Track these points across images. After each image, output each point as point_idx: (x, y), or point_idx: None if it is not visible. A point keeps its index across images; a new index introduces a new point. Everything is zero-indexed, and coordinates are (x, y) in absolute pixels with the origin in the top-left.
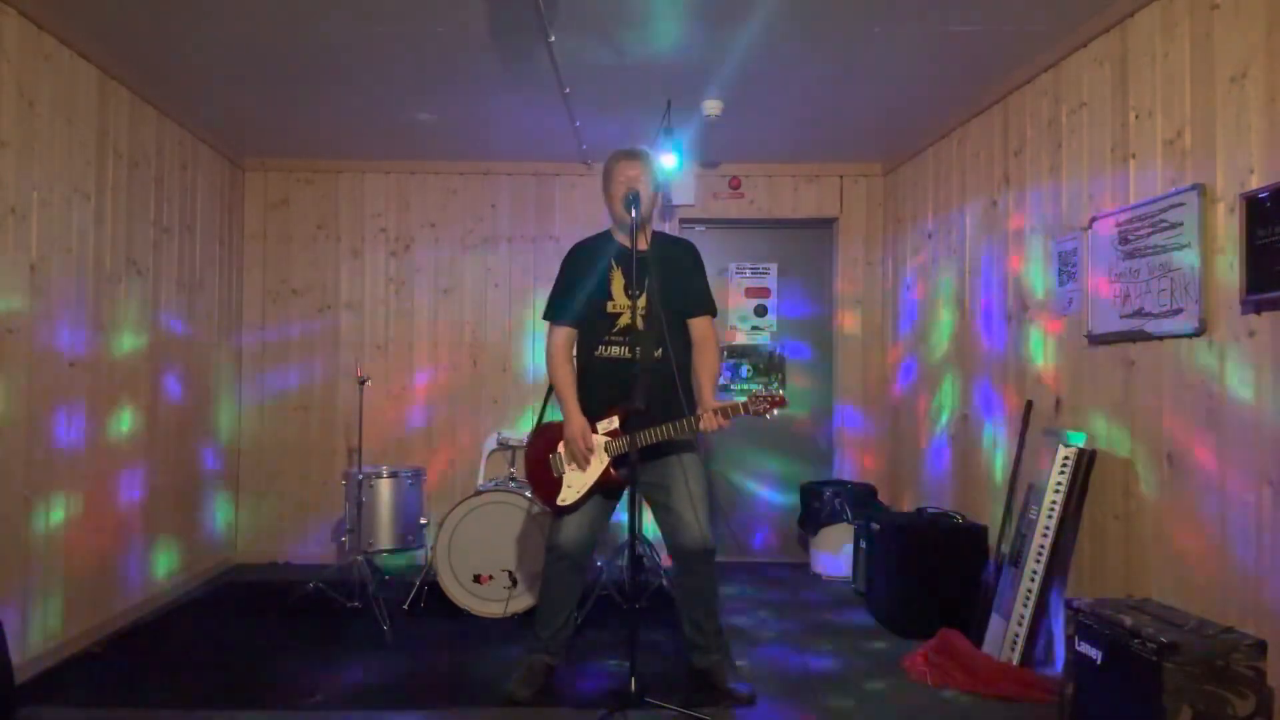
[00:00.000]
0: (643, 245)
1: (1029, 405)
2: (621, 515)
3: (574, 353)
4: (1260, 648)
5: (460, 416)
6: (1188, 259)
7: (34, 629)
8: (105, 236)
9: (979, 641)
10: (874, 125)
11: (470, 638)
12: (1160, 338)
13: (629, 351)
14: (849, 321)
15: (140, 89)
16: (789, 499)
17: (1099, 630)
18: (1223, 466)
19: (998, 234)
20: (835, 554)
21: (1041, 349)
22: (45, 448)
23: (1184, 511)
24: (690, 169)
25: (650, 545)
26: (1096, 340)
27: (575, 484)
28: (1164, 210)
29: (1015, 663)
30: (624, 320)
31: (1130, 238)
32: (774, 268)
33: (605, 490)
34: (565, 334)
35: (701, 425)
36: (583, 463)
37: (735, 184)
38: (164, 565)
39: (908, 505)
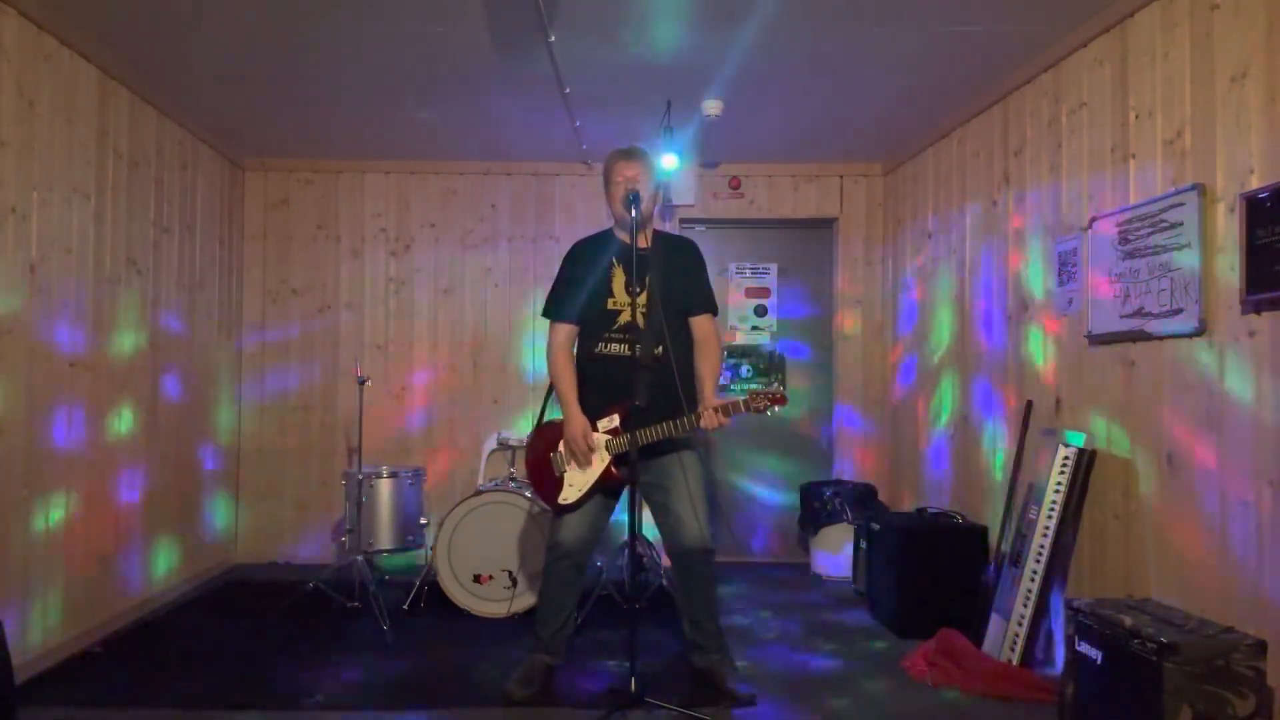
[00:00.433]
0: (644, 244)
1: (1029, 405)
2: (621, 515)
3: (574, 351)
4: (1260, 648)
5: (460, 416)
6: (1188, 259)
7: (34, 629)
8: (105, 236)
9: (979, 641)
10: (874, 125)
11: (470, 638)
12: (1160, 338)
13: (629, 349)
14: (849, 321)
15: (140, 89)
16: (789, 499)
17: (1099, 630)
18: (1223, 466)
19: (998, 234)
20: (835, 554)
21: (1041, 349)
22: (45, 448)
23: (1184, 511)
24: (690, 169)
25: (650, 545)
26: (1096, 340)
27: (576, 483)
28: (1164, 210)
29: (1015, 663)
30: (625, 318)
31: (1130, 238)
32: (774, 268)
33: (606, 489)
34: (566, 332)
35: (702, 423)
36: (583, 461)
37: (735, 184)
38: (164, 565)
39: (908, 505)
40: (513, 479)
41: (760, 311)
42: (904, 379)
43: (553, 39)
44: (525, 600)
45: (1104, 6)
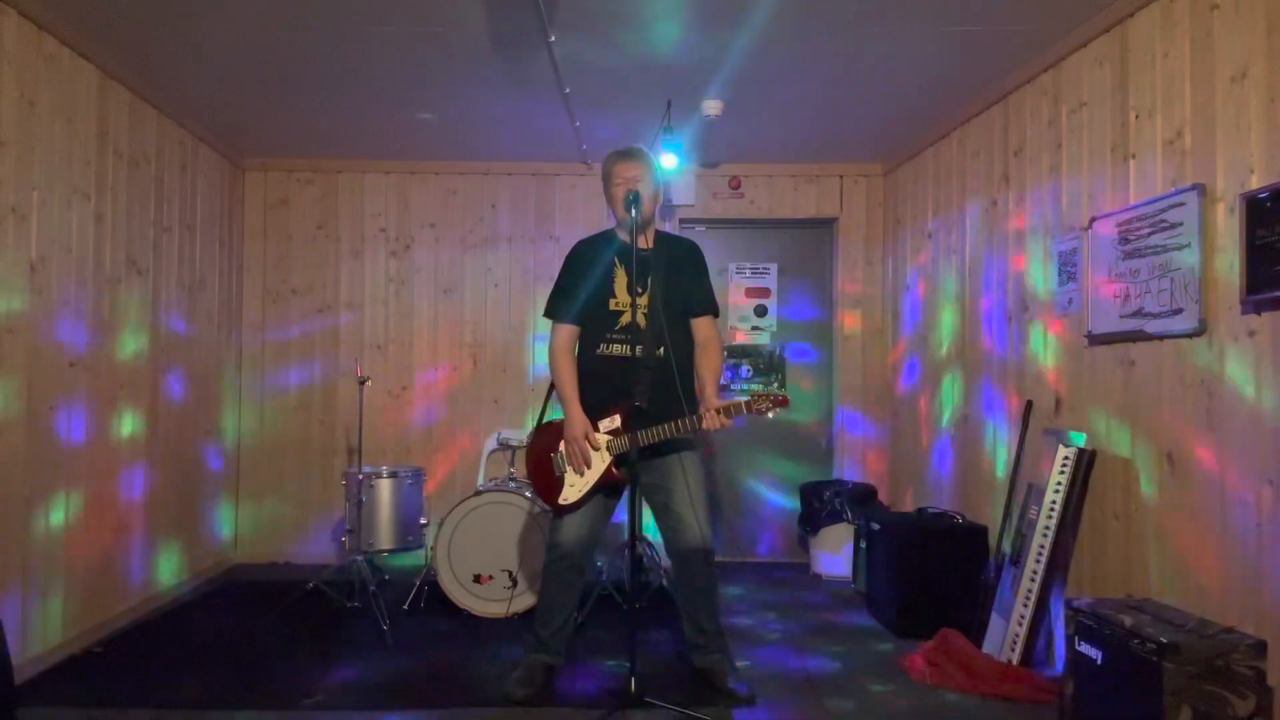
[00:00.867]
0: (646, 244)
1: (1029, 405)
2: (621, 515)
3: (576, 351)
4: (1260, 648)
5: (460, 416)
6: (1188, 259)
7: (34, 629)
8: (105, 236)
9: (979, 641)
10: (874, 125)
11: (470, 638)
12: (1160, 337)
13: (631, 350)
14: (849, 321)
15: (140, 89)
16: (789, 499)
17: (1099, 630)
18: (1223, 466)
19: (998, 234)
20: (835, 554)
21: (1042, 349)
22: (46, 447)
23: (1184, 511)
24: (690, 169)
25: (650, 545)
26: (1097, 340)
27: (577, 483)
28: (1164, 210)
29: (1015, 663)
30: (626, 318)
31: (1130, 238)
32: (774, 268)
33: (607, 489)
34: (568, 332)
35: (704, 424)
36: (584, 462)
37: (735, 184)
38: (164, 565)
39: (908, 505)
40: (513, 479)
41: (760, 311)
42: (904, 379)
43: (553, 39)
44: (525, 600)
45: (1104, 6)
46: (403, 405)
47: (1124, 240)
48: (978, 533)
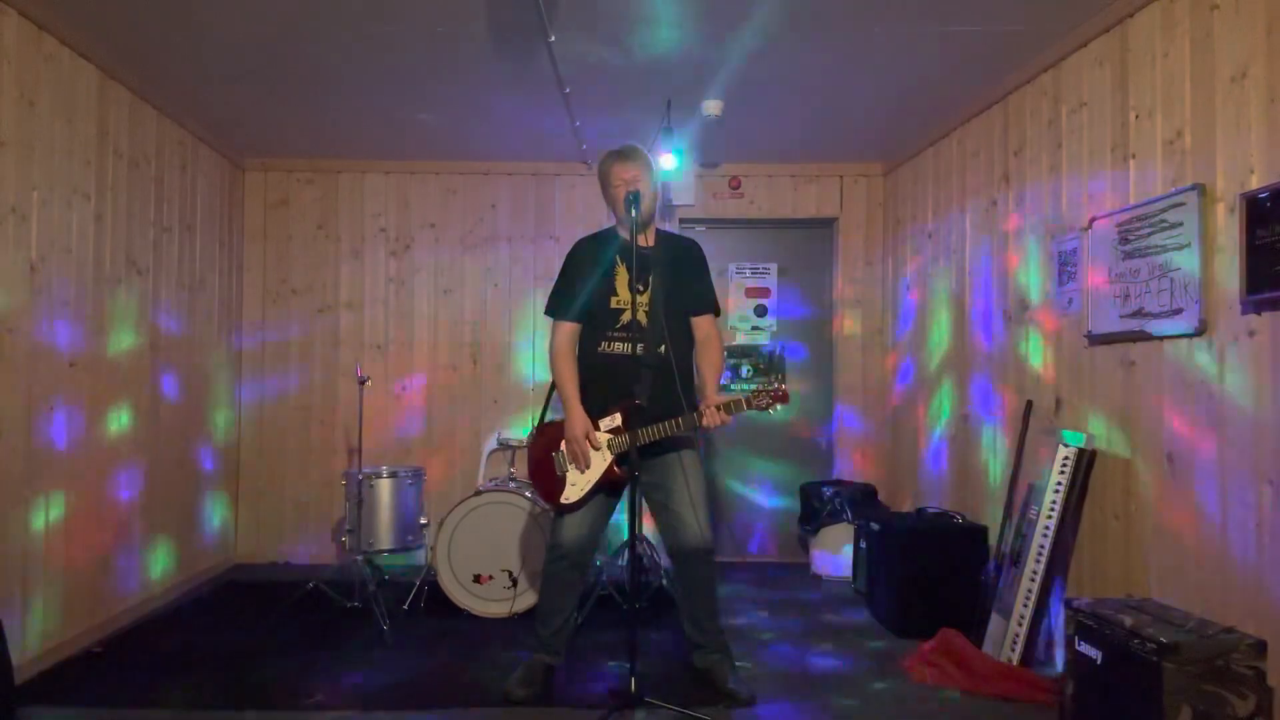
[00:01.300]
0: (647, 243)
1: (1029, 405)
2: (622, 515)
3: (577, 350)
4: (1260, 648)
5: (460, 417)
6: (1188, 259)
7: (34, 629)
8: (105, 236)
9: (979, 641)
10: (874, 125)
11: (470, 638)
12: (1160, 338)
13: (632, 348)
14: (849, 321)
15: (140, 89)
16: (789, 499)
17: (1099, 630)
18: (1223, 466)
19: (997, 234)
20: (835, 554)
21: (1041, 349)
22: (45, 447)
23: (1184, 511)
24: (690, 169)
25: (650, 545)
26: (1096, 340)
27: (579, 482)
28: (1164, 210)
29: (1015, 663)
30: (627, 316)
31: (1130, 238)
32: (774, 268)
33: (608, 489)
34: (569, 330)
35: (704, 421)
36: (585, 461)
37: (735, 184)
38: (164, 565)
39: (907, 505)
40: (513, 479)
41: (760, 311)
42: (904, 379)
43: (553, 39)
44: (525, 600)
45: (1104, 6)
46: (403, 405)
47: (1124, 240)
48: (977, 533)
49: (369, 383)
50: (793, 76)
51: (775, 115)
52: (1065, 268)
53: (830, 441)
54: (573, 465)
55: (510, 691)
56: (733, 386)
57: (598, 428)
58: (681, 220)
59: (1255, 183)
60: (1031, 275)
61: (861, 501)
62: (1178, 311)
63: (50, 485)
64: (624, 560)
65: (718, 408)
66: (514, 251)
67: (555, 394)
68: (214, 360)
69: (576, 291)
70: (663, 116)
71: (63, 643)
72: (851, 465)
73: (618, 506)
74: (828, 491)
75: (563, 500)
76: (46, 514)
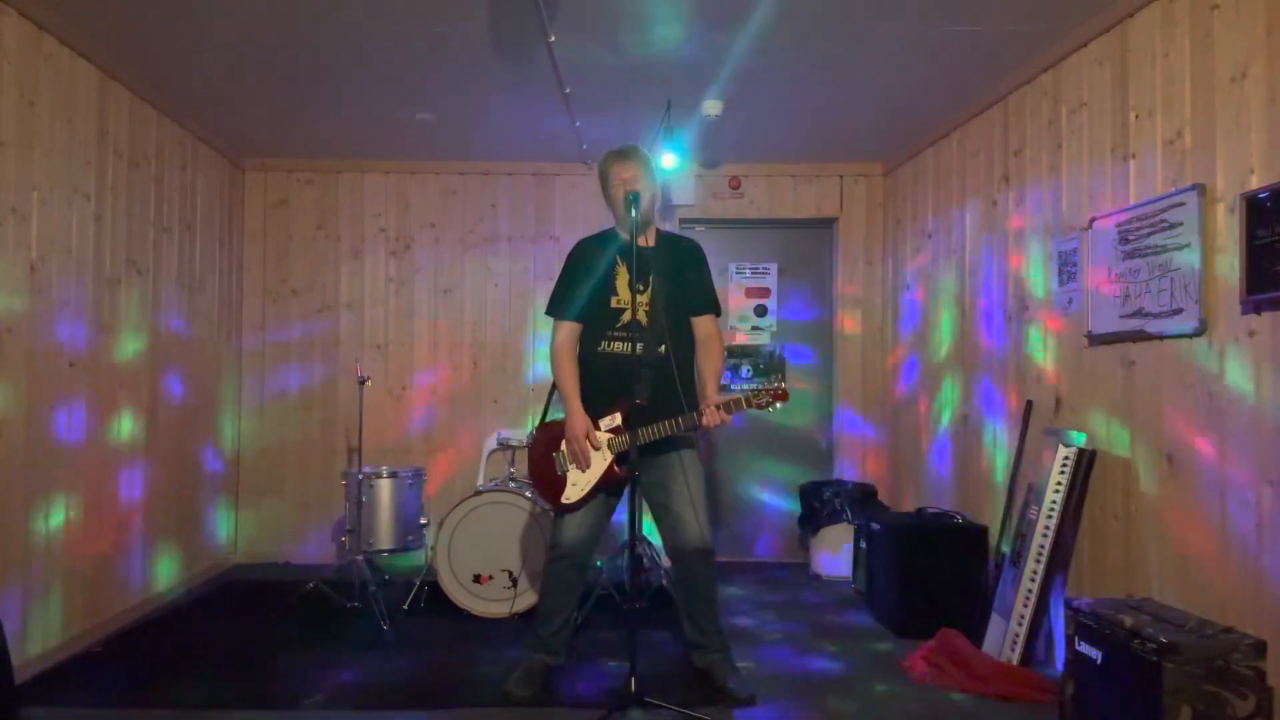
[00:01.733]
0: (648, 242)
1: (1029, 405)
2: (622, 515)
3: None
4: (1260, 648)
5: (460, 416)
6: (1188, 259)
7: (34, 629)
8: (105, 236)
9: (979, 641)
10: (874, 125)
11: (470, 638)
12: (1160, 337)
13: (632, 348)
14: (849, 322)
15: (140, 89)
16: (789, 499)
17: (1099, 630)
18: (1223, 466)
19: (998, 234)
20: (835, 554)
21: (1042, 349)
22: (45, 447)
23: (1184, 511)
24: (690, 169)
25: (650, 545)
26: (1096, 340)
27: (580, 482)
28: (1164, 210)
29: (1015, 663)
30: (628, 316)
31: (1130, 237)
32: (774, 268)
33: (608, 488)
34: (569, 330)
35: (704, 420)
36: (586, 461)
37: (735, 184)
38: (164, 565)
39: (908, 505)
40: (513, 479)
41: (760, 312)
42: (904, 379)
43: (553, 39)
44: (525, 600)
45: (1104, 6)
46: (403, 405)
47: (1124, 240)
48: (978, 533)
49: (369, 383)
50: (793, 76)
51: (775, 115)
52: (1065, 268)
53: (830, 441)
54: (573, 465)
55: (510, 691)
56: (733, 386)
57: (598, 427)
58: (681, 220)
59: (1255, 183)
60: (1031, 275)
61: (862, 501)
62: (1178, 311)
63: (51, 486)
64: (624, 560)
65: (717, 407)
66: (514, 251)
67: (556, 393)
68: (214, 360)
69: (577, 291)
70: (663, 116)
71: (63, 643)
72: (852, 465)
73: (618, 506)
74: (828, 491)
75: (563, 500)
76: (47, 514)
